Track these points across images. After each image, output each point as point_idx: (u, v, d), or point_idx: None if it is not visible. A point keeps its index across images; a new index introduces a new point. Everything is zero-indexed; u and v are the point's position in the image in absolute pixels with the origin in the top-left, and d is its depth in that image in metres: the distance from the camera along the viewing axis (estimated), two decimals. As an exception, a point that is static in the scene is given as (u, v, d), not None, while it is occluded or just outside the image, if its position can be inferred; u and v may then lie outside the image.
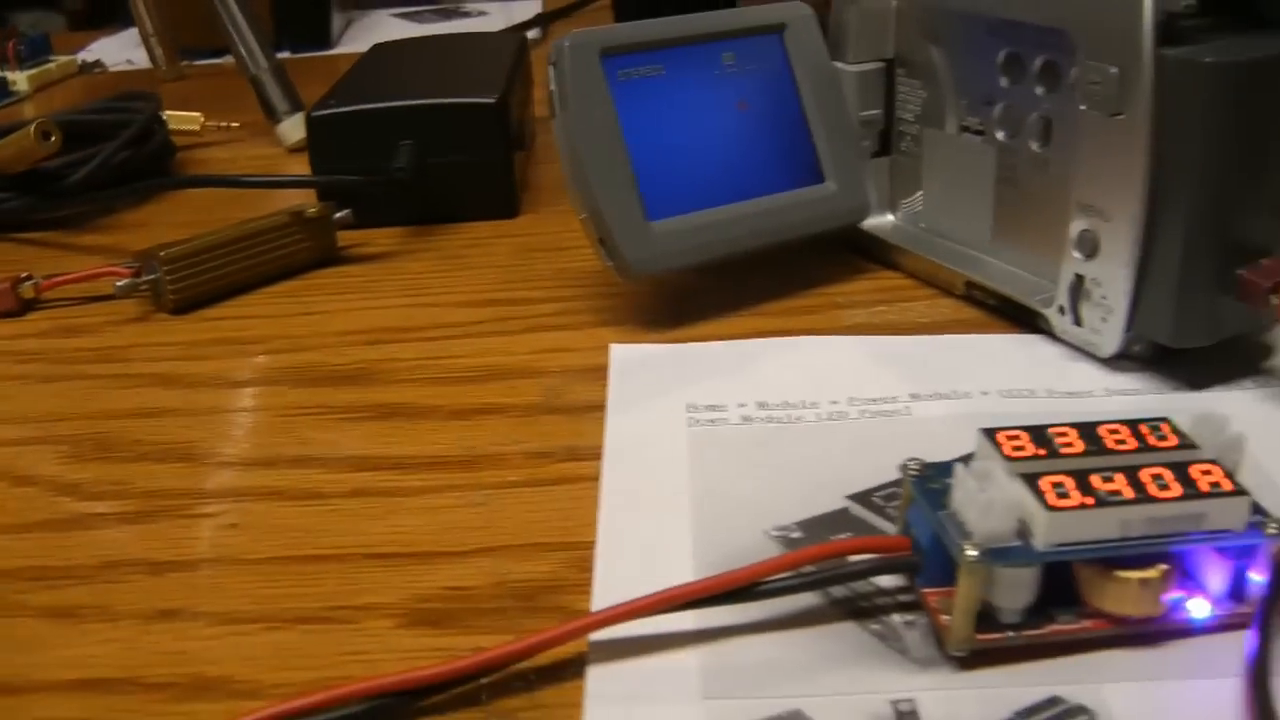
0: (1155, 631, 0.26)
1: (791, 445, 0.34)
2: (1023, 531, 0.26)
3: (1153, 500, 0.25)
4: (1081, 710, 0.25)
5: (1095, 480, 0.26)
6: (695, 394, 0.36)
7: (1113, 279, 0.35)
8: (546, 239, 0.50)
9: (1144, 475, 0.26)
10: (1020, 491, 0.26)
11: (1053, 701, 0.25)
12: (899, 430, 0.34)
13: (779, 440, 0.34)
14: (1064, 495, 0.25)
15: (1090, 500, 0.25)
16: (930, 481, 0.27)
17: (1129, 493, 0.26)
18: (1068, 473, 0.26)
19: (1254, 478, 0.30)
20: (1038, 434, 0.27)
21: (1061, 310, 0.37)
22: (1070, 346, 0.38)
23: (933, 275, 0.43)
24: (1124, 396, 0.35)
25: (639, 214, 0.39)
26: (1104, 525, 0.25)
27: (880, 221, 0.45)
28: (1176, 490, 0.26)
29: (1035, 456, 0.27)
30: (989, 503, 0.25)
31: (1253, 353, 0.38)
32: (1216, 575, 0.27)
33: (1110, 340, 0.36)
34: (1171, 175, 0.34)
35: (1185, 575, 0.27)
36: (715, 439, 0.34)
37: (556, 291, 0.44)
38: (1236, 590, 0.27)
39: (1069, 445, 0.27)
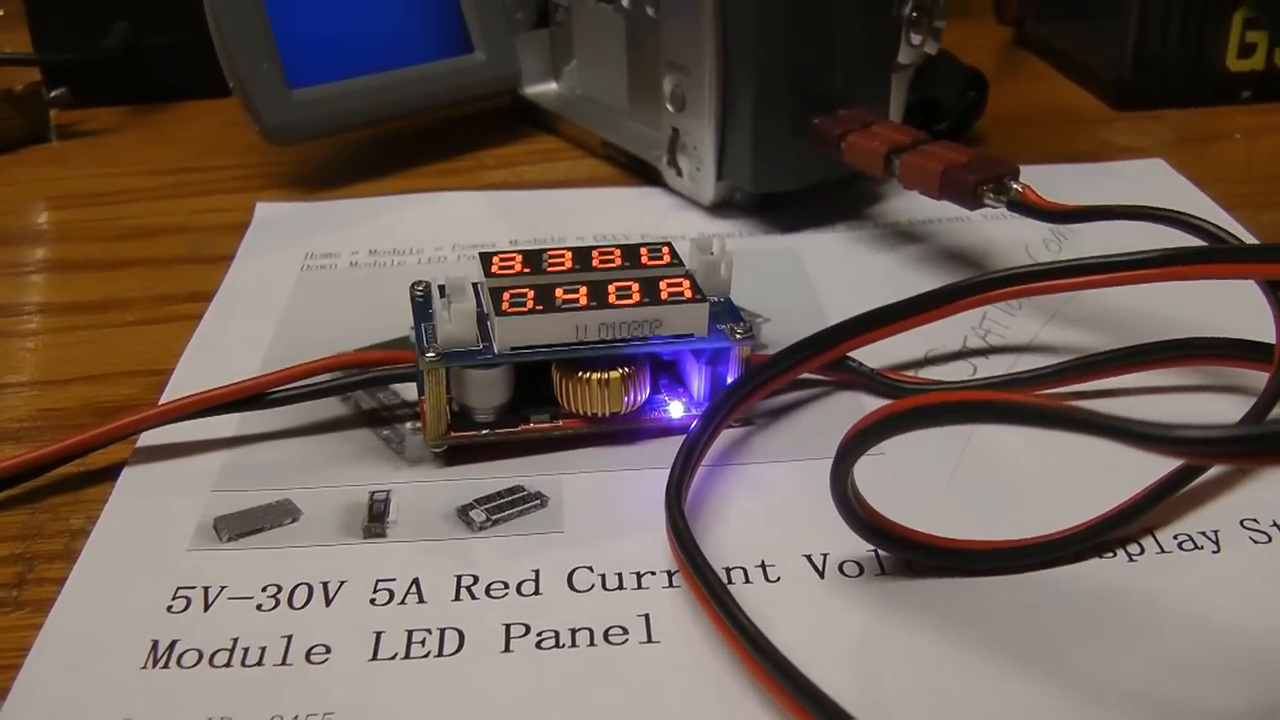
0: (633, 430, 0.29)
1: (385, 285, 0.36)
2: (487, 337, 0.28)
3: (609, 307, 0.28)
4: (538, 496, 0.27)
5: (559, 292, 0.28)
6: (317, 244, 0.39)
7: (699, 130, 0.38)
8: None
9: (611, 287, 0.28)
10: (483, 301, 0.29)
11: (514, 489, 0.27)
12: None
13: (376, 281, 0.37)
14: (520, 304, 0.28)
15: (541, 307, 0.28)
16: (430, 302, 0.30)
17: (585, 301, 0.28)
18: (536, 286, 0.28)
19: (805, 305, 0.34)
20: (531, 256, 0.30)
21: (669, 163, 0.40)
22: (682, 197, 0.41)
23: (581, 138, 0.45)
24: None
25: (280, 82, 0.41)
26: (558, 329, 0.27)
27: (544, 90, 0.48)
28: (636, 299, 0.28)
29: (519, 274, 0.29)
30: (448, 311, 0.27)
31: (851, 199, 0.41)
32: (694, 378, 0.29)
33: (706, 188, 0.39)
34: (738, 31, 0.36)
35: (678, 381, 0.30)
36: (319, 281, 0.37)
37: (238, 160, 0.47)
38: (717, 393, 0.29)
39: (559, 265, 0.30)
